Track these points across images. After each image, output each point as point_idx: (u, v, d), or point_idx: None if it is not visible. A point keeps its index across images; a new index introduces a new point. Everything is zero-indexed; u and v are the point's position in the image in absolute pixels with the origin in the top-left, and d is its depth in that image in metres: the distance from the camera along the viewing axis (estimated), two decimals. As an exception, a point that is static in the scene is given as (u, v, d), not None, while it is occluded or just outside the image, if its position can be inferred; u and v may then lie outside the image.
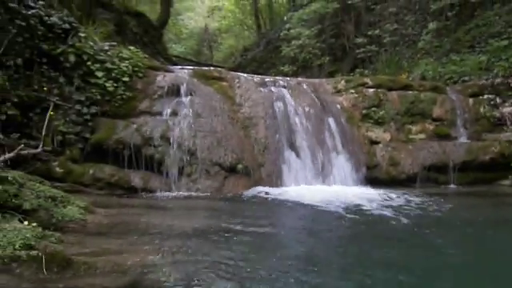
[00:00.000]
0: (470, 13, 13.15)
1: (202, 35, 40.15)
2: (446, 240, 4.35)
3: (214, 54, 39.51)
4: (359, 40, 13.98)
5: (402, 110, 8.77)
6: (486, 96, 9.41)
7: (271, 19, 28.84)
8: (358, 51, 14.01)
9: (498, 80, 9.54)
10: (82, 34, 7.60)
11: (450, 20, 13.00)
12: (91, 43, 7.59)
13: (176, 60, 28.16)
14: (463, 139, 8.86)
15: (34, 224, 3.74)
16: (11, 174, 4.56)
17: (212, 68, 23.96)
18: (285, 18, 20.89)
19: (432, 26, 12.86)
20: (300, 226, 5.15)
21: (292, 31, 14.94)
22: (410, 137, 8.63)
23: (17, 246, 3.22)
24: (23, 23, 6.90)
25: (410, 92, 9.08)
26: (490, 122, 9.09)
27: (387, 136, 8.44)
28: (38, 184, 4.96)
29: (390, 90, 9.01)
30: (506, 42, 10.68)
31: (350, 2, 14.72)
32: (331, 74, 15.16)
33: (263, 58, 21.40)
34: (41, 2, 7.47)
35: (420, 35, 13.42)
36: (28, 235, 3.41)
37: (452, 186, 8.16)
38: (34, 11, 7.11)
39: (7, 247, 3.18)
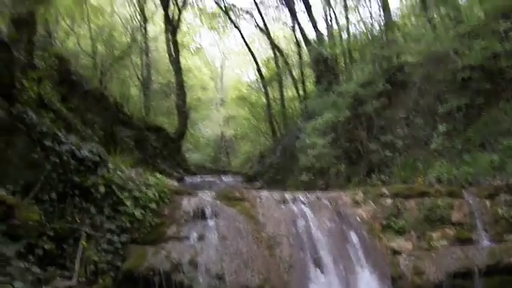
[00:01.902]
0: (477, 112, 13.56)
1: (219, 142, 41.22)
2: None
3: (231, 160, 40.34)
4: (373, 146, 14.44)
5: (420, 217, 8.95)
6: (502, 197, 9.57)
7: (285, 124, 29.70)
8: (372, 157, 14.43)
9: (513, 179, 9.76)
10: (111, 165, 8.10)
11: (458, 121, 13.40)
12: (119, 173, 8.06)
13: (195, 169, 28.86)
14: (485, 242, 8.92)
15: None
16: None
17: (230, 176, 24.60)
18: (299, 122, 21.62)
19: (442, 127, 13.25)
20: None
21: (307, 141, 15.50)
22: (432, 244, 8.75)
23: None
24: (57, 159, 7.40)
25: (427, 198, 9.29)
26: (510, 222, 9.18)
27: (409, 245, 8.58)
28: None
29: (407, 198, 9.26)
30: (515, 140, 11.00)
31: (360, 111, 15.38)
32: (348, 178, 15.47)
33: (280, 164, 21.88)
34: (72, 138, 8.04)
35: (431, 136, 13.78)
36: None
37: (479, 291, 8.17)
38: (66, 147, 7.62)
39: None
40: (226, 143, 41.29)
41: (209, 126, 41.67)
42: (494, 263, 8.35)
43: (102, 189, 7.66)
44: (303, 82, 29.53)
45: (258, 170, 25.43)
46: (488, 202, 9.44)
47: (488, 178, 10.28)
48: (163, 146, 24.91)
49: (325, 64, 22.93)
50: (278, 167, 22.01)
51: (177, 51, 29.94)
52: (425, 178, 11.58)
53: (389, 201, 9.10)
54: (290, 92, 32.82)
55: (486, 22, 13.49)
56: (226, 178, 23.63)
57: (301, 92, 29.54)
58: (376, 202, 9.09)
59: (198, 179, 22.13)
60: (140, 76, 32.30)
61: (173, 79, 31.68)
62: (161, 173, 13.64)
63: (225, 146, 41.31)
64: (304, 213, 8.42)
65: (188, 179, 21.23)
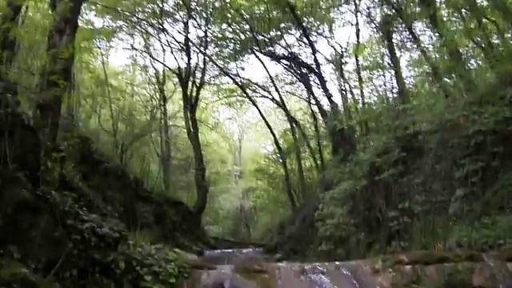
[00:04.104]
0: (494, 175, 13.54)
1: (238, 215, 41.28)
2: None
3: (250, 231, 40.25)
4: (392, 214, 14.43)
5: (441, 283, 8.84)
6: (525, 259, 9.44)
7: (304, 194, 29.80)
8: (391, 224, 14.39)
9: (534, 241, 9.66)
10: (131, 241, 8.27)
11: (475, 185, 13.39)
12: (139, 249, 8.21)
13: (214, 242, 28.87)
14: (509, 305, 8.76)
15: None
16: None
17: (250, 249, 24.49)
18: (317, 192, 21.74)
19: (459, 192, 13.25)
20: None
21: (326, 210, 15.57)
22: (455, 309, 8.63)
23: None
24: (78, 237, 7.58)
25: (447, 264, 9.20)
26: (533, 284, 9.03)
27: (431, 312, 8.47)
28: None
29: (427, 264, 9.17)
30: (533, 199, 10.96)
31: (377, 179, 15.48)
32: (369, 246, 15.37)
33: (300, 234, 21.82)
34: (93, 215, 8.26)
35: (450, 201, 13.75)
36: None
37: None
38: (87, 225, 7.83)
39: None
40: (245, 215, 41.31)
41: (228, 199, 41.87)
42: (518, 327, 8.20)
43: (122, 265, 7.78)
44: (320, 153, 29.84)
45: (277, 241, 25.35)
46: (509, 265, 9.28)
47: (508, 239, 10.19)
48: (182, 220, 25.10)
49: (341, 135, 23.29)
50: (297, 238, 21.94)
51: (195, 127, 30.68)
52: (445, 242, 11.52)
53: (408, 268, 9.03)
54: (307, 162, 33.11)
55: (494, 88, 13.79)
56: (246, 250, 23.58)
57: (318, 162, 29.82)
58: (395, 269, 9.02)
59: (217, 252, 22.12)
60: (159, 152, 33.00)
61: (192, 154, 32.28)
62: (180, 247, 13.80)
63: (244, 218, 41.32)
64: (323, 283, 8.41)
65: (207, 253, 21.23)
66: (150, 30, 31.65)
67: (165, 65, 32.95)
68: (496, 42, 16.98)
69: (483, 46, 16.82)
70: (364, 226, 15.96)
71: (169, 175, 32.22)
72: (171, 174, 32.98)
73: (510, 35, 16.43)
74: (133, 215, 18.03)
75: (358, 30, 26.69)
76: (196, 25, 30.88)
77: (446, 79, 18.16)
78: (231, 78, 33.22)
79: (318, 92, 28.75)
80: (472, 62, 18.87)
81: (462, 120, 13.76)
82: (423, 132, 16.63)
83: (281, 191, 34.59)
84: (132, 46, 32.98)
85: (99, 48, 30.63)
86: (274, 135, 33.56)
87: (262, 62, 31.57)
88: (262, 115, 34.33)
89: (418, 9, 20.18)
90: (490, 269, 9.19)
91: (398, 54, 23.59)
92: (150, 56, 33.26)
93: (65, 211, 7.66)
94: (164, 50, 32.46)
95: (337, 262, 9.77)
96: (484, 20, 16.59)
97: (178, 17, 30.68)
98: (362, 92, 25.63)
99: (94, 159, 18.39)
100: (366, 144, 19.34)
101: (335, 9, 28.75)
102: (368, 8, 25.80)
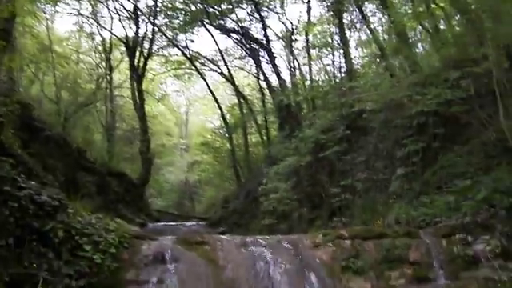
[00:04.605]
0: (433, 155, 13.95)
1: (183, 188, 41.13)
2: None
3: (195, 205, 40.25)
4: (334, 190, 14.70)
5: (379, 258, 9.09)
6: (457, 236, 9.79)
7: (249, 169, 29.91)
8: (333, 200, 14.67)
9: (467, 219, 10.01)
10: (70, 210, 8.07)
11: (416, 165, 13.76)
12: (79, 218, 8.03)
13: (158, 215, 28.71)
14: (441, 280, 9.09)
15: None
16: None
17: (193, 222, 24.55)
18: (262, 167, 21.88)
19: (400, 171, 13.59)
20: None
21: (269, 185, 15.71)
22: (390, 283, 8.87)
23: None
24: (15, 204, 7.34)
25: (385, 240, 9.47)
26: (465, 260, 9.35)
27: (368, 285, 8.67)
28: None
29: (366, 239, 9.42)
30: (469, 182, 11.34)
31: (321, 155, 15.69)
32: (311, 222, 15.63)
33: (244, 209, 22.01)
34: (32, 182, 8.00)
35: (390, 180, 14.10)
36: None
37: (438, 330, 8.29)
38: (25, 192, 7.58)
39: None
40: (190, 188, 41.29)
41: (173, 172, 41.68)
42: (450, 301, 8.53)
43: (60, 233, 7.60)
44: (267, 128, 30.02)
45: (221, 214, 25.46)
46: (444, 242, 9.64)
47: (444, 218, 10.54)
48: (125, 192, 24.78)
49: (287, 111, 23.47)
50: (241, 212, 22.12)
51: (142, 99, 30.19)
52: (384, 219, 11.83)
53: (348, 242, 9.24)
54: (253, 138, 33.22)
55: (438, 71, 14.12)
56: (190, 224, 23.59)
57: (265, 138, 29.99)
58: (335, 244, 9.21)
59: (160, 225, 22.03)
60: (104, 122, 32.31)
61: (137, 125, 31.83)
62: (123, 218, 13.60)
63: (189, 191, 41.32)
64: (264, 256, 8.48)
65: (151, 225, 21.12)
66: (99, -5, 30.73)
67: (112, 33, 32.03)
68: (442, 27, 17.35)
69: (430, 30, 17.16)
70: (307, 201, 16.20)
71: (113, 146, 31.59)
72: (115, 145, 32.36)
73: (455, 22, 16.78)
74: (74, 185, 17.65)
75: (309, 8, 26.75)
76: (146, -7, 30.19)
77: (392, 60, 18.47)
78: (180, 49, 32.76)
79: (267, 68, 28.77)
80: (419, 45, 19.27)
81: (406, 100, 14.04)
82: (368, 111, 16.89)
83: (226, 166, 34.65)
84: (78, 11, 31.87)
85: (44, 12, 29.49)
86: (221, 109, 33.48)
87: (212, 35, 31.28)
88: (209, 89, 34.13)
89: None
90: (426, 245, 9.52)
91: (347, 33, 23.78)
92: (97, 23, 32.22)
93: (1, 177, 7.40)
94: (112, 18, 31.52)
95: (279, 236, 9.88)
96: (432, 5, 16.90)
97: (127, -17, 29.90)
98: (310, 69, 25.80)
99: (35, 126, 17.79)
100: (312, 121, 19.54)
101: (288, -16, 28.68)
102: (320, -14, 25.81)
